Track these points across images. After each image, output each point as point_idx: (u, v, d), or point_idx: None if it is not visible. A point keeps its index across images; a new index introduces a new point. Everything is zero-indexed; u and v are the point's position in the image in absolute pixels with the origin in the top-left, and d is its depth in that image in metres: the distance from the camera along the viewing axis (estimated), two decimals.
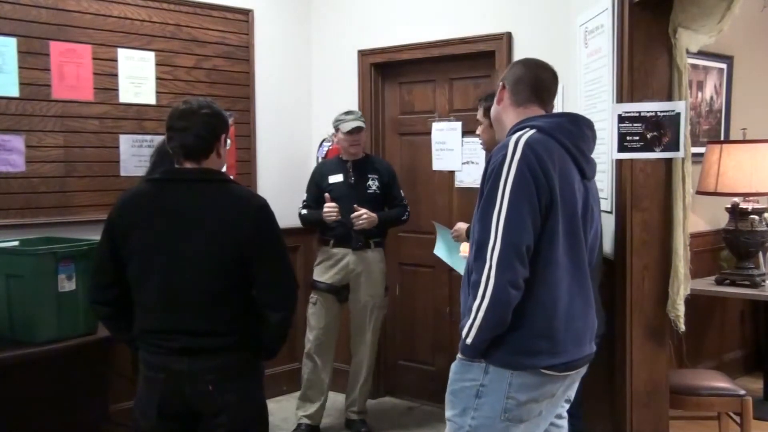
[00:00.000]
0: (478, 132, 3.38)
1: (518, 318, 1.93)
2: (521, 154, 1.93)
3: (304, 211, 4.06)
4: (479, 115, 3.28)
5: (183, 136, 2.24)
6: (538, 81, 2.17)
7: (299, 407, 4.08)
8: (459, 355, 2.05)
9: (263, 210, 2.27)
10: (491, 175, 1.96)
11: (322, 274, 4.02)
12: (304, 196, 4.10)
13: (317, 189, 4.04)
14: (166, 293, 2.21)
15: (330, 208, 3.87)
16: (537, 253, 1.93)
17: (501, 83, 2.22)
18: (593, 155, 2.16)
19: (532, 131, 2.00)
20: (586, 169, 2.08)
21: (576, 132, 2.07)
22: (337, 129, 4.02)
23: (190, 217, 2.21)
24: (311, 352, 4.01)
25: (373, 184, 4.01)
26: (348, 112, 4.02)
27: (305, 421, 4.04)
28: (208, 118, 2.25)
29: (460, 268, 3.23)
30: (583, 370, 2.11)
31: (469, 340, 1.95)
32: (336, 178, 4.00)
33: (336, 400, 4.25)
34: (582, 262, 2.04)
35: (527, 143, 1.95)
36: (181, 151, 2.25)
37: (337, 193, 3.93)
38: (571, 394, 2.14)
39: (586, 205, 2.06)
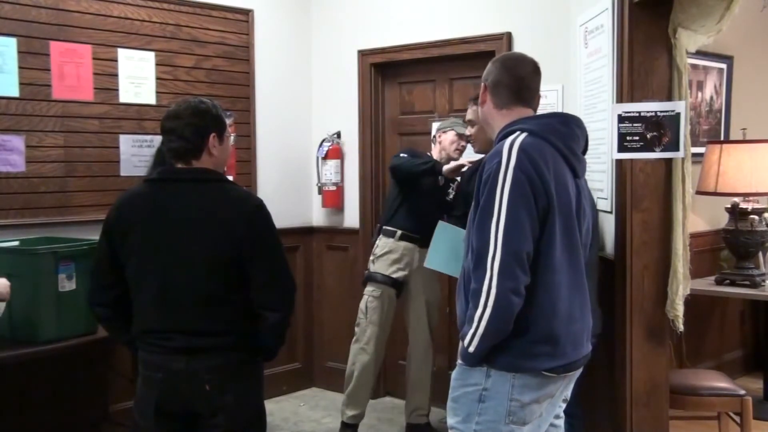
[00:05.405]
0: (469, 132, 3.32)
1: (519, 323, 1.93)
2: (516, 160, 1.92)
3: (404, 154, 3.74)
4: (471, 115, 3.24)
5: (170, 139, 2.26)
6: (518, 81, 2.13)
7: (347, 405, 3.86)
8: (460, 362, 2.05)
9: (259, 210, 2.26)
10: (487, 182, 1.95)
11: (386, 268, 3.81)
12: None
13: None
14: (164, 293, 2.20)
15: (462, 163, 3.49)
16: (536, 258, 1.93)
17: (483, 83, 2.20)
18: (590, 155, 2.16)
19: (524, 135, 1.99)
20: (577, 168, 2.08)
21: (567, 132, 2.06)
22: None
23: (186, 217, 2.21)
24: (368, 347, 3.81)
25: (452, 192, 3.77)
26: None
27: (351, 421, 3.86)
28: (191, 119, 2.24)
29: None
30: (580, 369, 2.11)
31: (471, 349, 1.94)
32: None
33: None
34: (579, 263, 2.04)
35: (521, 148, 1.94)
36: (170, 153, 2.28)
37: (422, 192, 3.73)
38: (568, 393, 2.14)
39: (579, 203, 2.06)
